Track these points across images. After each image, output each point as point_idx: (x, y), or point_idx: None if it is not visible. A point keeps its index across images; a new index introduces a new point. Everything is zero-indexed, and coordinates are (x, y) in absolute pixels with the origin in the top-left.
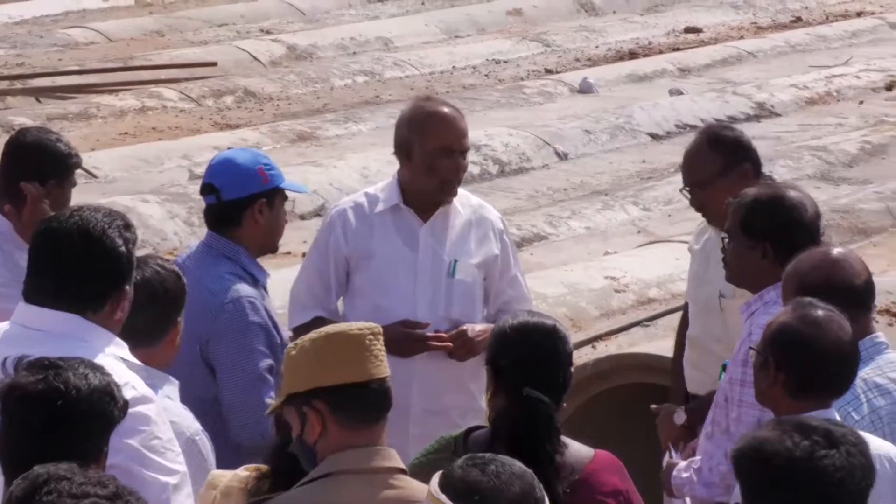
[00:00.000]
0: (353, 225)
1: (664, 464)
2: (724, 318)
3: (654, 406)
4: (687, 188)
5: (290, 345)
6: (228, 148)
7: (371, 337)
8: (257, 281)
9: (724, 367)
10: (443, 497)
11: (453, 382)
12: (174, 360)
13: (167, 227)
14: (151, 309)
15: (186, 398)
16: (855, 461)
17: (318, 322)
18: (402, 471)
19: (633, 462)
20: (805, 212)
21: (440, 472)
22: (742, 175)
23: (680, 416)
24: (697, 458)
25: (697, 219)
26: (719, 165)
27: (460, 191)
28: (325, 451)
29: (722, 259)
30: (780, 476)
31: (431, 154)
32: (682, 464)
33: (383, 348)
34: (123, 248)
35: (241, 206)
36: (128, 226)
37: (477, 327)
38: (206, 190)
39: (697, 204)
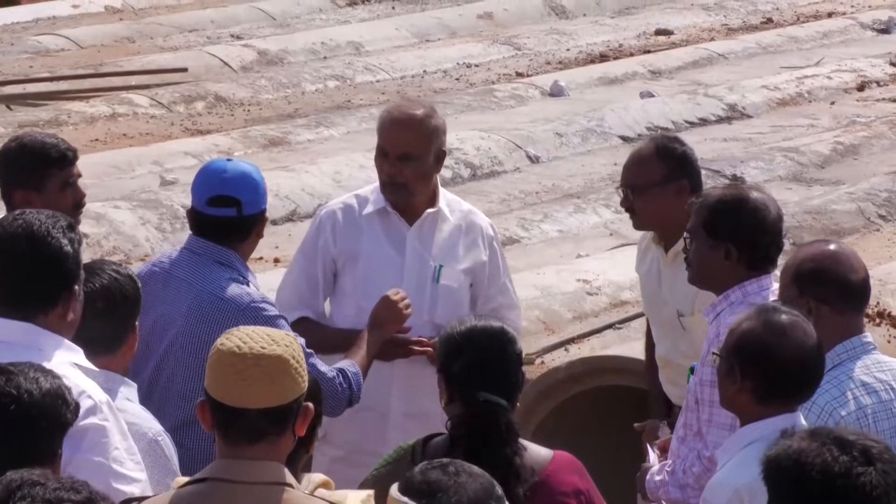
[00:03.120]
0: (341, 226)
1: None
2: (688, 335)
3: (637, 424)
4: (623, 188)
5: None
6: (210, 155)
7: (263, 362)
8: (250, 284)
9: (692, 370)
10: (405, 499)
11: (434, 387)
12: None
13: (139, 233)
14: (110, 317)
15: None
16: (891, 479)
17: (303, 322)
18: (288, 485)
19: (606, 464)
20: (769, 213)
21: (399, 482)
22: (679, 190)
23: (664, 431)
24: (670, 461)
25: None
26: (660, 175)
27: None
28: (217, 452)
29: (684, 259)
30: (815, 490)
31: (376, 152)
32: (656, 467)
33: (290, 373)
34: (69, 248)
35: (256, 220)
36: (71, 226)
37: None
38: (225, 202)
39: (628, 205)
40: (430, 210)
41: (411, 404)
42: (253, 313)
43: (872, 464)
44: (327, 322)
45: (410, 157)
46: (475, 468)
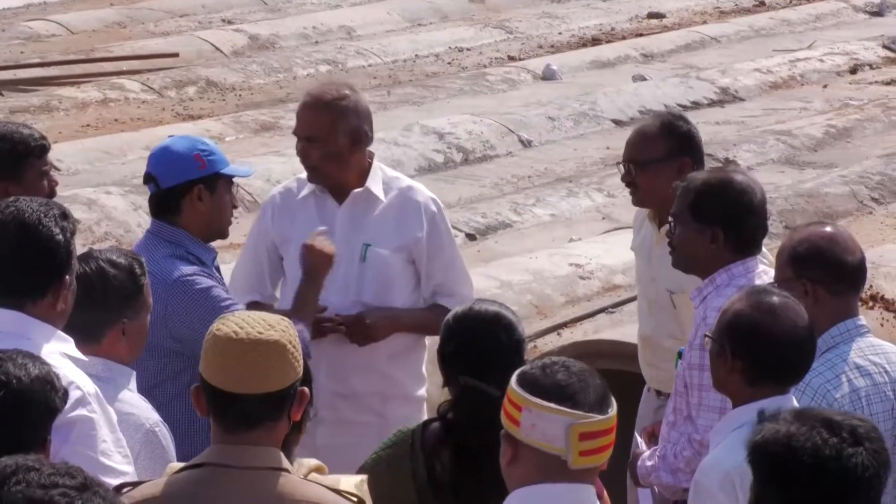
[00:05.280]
0: (279, 210)
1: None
2: (678, 314)
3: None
4: (625, 163)
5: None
6: None
7: (261, 347)
8: (203, 262)
9: (679, 354)
10: (550, 404)
11: (364, 367)
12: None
13: (130, 218)
14: (86, 307)
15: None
16: (880, 459)
17: (253, 306)
18: (285, 470)
19: None
20: (755, 195)
21: (516, 377)
22: (681, 167)
23: (640, 443)
24: (661, 445)
25: None
26: (663, 151)
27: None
28: (212, 437)
29: (668, 243)
30: (806, 473)
31: None
32: (647, 452)
33: (288, 358)
34: (61, 237)
35: (180, 192)
36: (65, 215)
37: (380, 313)
38: (147, 179)
39: (629, 180)
40: (357, 190)
41: (339, 384)
42: (181, 287)
43: (861, 444)
44: (278, 305)
45: (315, 138)
46: (577, 363)
